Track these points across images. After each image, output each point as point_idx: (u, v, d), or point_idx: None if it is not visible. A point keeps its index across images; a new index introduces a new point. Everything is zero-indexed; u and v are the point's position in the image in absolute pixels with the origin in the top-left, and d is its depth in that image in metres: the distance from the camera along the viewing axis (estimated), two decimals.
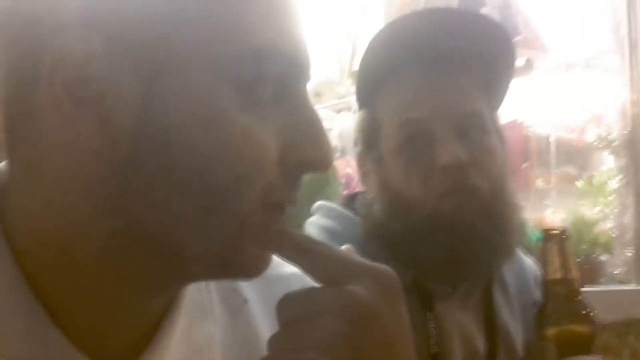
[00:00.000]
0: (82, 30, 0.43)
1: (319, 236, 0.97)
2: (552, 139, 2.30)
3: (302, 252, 0.47)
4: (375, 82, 0.96)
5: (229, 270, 0.49)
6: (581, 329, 0.90)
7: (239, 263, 0.48)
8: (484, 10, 1.77)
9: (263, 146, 0.46)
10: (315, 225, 1.00)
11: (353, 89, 1.75)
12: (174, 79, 0.43)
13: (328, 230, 0.97)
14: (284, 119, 0.47)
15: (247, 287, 0.61)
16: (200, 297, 0.57)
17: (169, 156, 0.44)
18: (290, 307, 0.46)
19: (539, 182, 2.21)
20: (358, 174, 1.05)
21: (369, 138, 0.98)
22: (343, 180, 1.41)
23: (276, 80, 0.46)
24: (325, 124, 1.53)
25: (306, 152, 0.47)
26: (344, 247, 0.51)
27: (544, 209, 2.06)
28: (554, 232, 0.93)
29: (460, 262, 0.90)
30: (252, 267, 0.49)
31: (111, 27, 0.43)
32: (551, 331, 0.91)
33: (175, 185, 0.44)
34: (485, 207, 0.90)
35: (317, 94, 1.98)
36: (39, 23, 0.44)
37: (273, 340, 0.45)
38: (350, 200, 1.04)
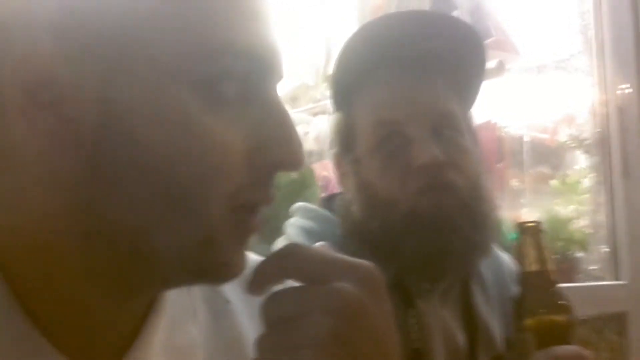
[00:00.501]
0: (38, 34, 0.42)
1: (298, 237, 0.98)
2: (525, 139, 2.33)
3: (283, 254, 0.48)
4: (350, 84, 0.98)
5: (202, 275, 0.49)
6: (559, 318, 0.92)
7: (213, 267, 0.48)
8: (456, 13, 1.79)
9: (226, 146, 0.45)
10: (294, 226, 1.00)
11: (328, 92, 1.76)
12: (133, 79, 0.43)
13: (307, 231, 0.98)
14: (253, 118, 0.47)
15: (229, 288, 0.61)
16: (182, 300, 0.56)
17: (130, 157, 0.44)
18: (277, 306, 0.46)
19: (514, 182, 2.23)
20: (336, 176, 1.06)
21: (346, 140, 0.99)
22: (321, 184, 1.42)
23: (241, 79, 0.46)
24: (301, 128, 1.54)
25: (277, 152, 0.47)
26: (318, 244, 0.52)
27: (519, 208, 2.09)
28: (529, 224, 0.95)
29: (439, 258, 0.91)
30: (227, 271, 0.48)
31: (69, 29, 0.43)
32: (529, 322, 0.92)
33: (139, 186, 0.44)
34: (463, 203, 0.91)
35: (293, 98, 1.98)
36: (3, 26, 0.44)
37: (261, 341, 0.45)
38: (329, 202, 1.05)
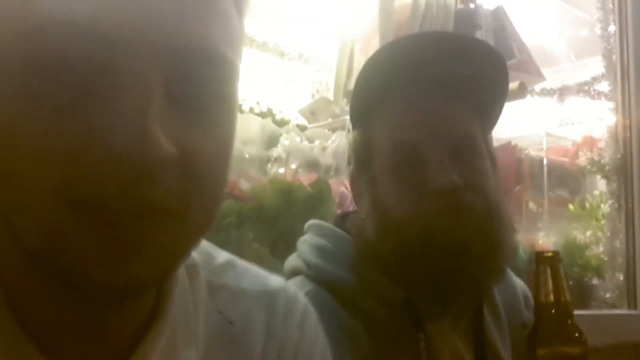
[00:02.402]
0: None
1: (310, 254, 0.97)
2: (545, 162, 2.32)
3: None
4: (369, 103, 0.97)
5: (74, 281, 0.44)
6: (573, 350, 0.91)
7: (70, 269, 0.43)
8: (479, 34, 1.78)
9: (50, 135, 0.41)
10: (307, 243, 1.00)
11: (348, 108, 1.75)
12: None
13: (320, 249, 0.98)
14: (91, 106, 0.41)
15: (232, 308, 0.61)
16: (186, 322, 0.56)
17: None
18: None
19: (532, 205, 2.22)
20: (351, 194, 1.05)
21: (362, 158, 0.99)
22: (337, 199, 1.41)
23: (76, 60, 0.41)
24: (320, 143, 1.52)
25: (116, 144, 0.41)
26: None
27: (536, 232, 2.07)
28: (547, 254, 0.94)
29: (452, 282, 0.90)
30: (93, 280, 0.43)
31: None
32: (542, 353, 0.91)
33: None
34: (479, 228, 0.90)
35: (313, 113, 1.98)
36: None
37: None
38: (342, 220, 1.04)
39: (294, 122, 1.84)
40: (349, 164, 1.04)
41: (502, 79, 0.99)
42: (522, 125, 2.35)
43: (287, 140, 1.52)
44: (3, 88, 0.41)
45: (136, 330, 0.52)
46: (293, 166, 1.50)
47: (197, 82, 0.45)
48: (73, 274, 0.43)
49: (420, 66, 0.94)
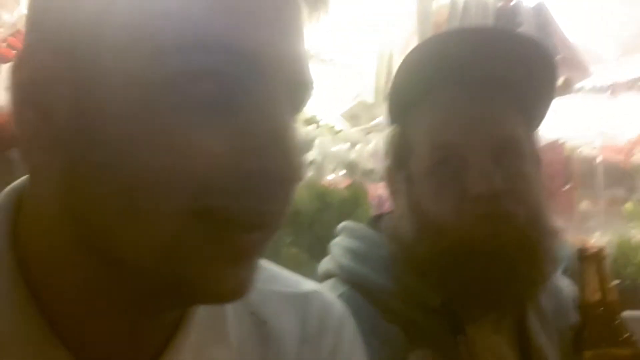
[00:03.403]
0: (30, 38, 0.45)
1: (343, 257, 0.95)
2: (598, 160, 2.25)
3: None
4: (408, 100, 0.93)
5: (183, 290, 0.46)
6: (621, 352, 0.85)
7: (189, 282, 0.45)
8: (521, 29, 1.74)
9: (193, 146, 0.43)
10: (339, 246, 0.97)
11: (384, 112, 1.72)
12: (101, 74, 0.43)
13: (352, 251, 0.95)
14: (241, 122, 0.44)
15: (266, 309, 0.60)
16: (213, 322, 0.55)
17: (100, 156, 0.43)
18: None
19: (585, 205, 2.15)
20: (387, 191, 1.02)
21: (400, 156, 0.95)
22: (375, 203, 1.38)
23: (222, 79, 0.43)
24: (360, 146, 1.50)
25: (266, 160, 0.44)
26: None
27: (588, 232, 2.00)
28: (591, 251, 0.89)
29: (489, 290, 0.86)
30: (210, 289, 0.46)
31: (47, 30, 0.44)
32: (589, 355, 0.86)
33: (108, 187, 0.43)
34: (520, 235, 0.86)
35: (353, 116, 1.97)
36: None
37: None
38: (377, 221, 1.01)
39: (336, 126, 1.83)
40: (385, 159, 1.01)
41: (548, 75, 0.94)
42: (574, 124, 2.29)
43: (323, 144, 1.51)
44: (137, 101, 0.43)
45: (167, 329, 0.52)
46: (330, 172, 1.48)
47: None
48: (187, 282, 0.45)
49: (460, 64, 0.90)
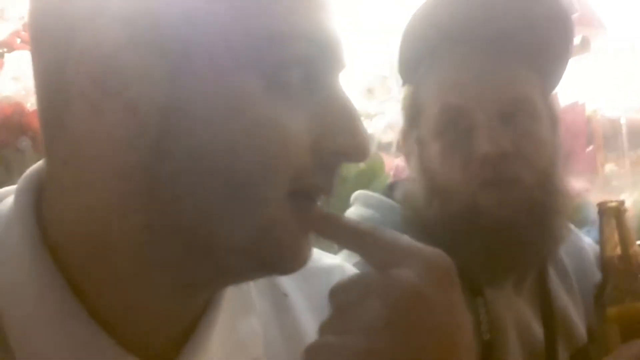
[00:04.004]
0: (106, 21, 0.42)
1: None
2: (622, 121, 2.21)
3: (353, 235, 0.48)
4: (416, 59, 0.91)
5: (266, 265, 0.48)
6: None
7: (275, 256, 0.47)
8: None
9: (290, 132, 0.45)
10: (354, 215, 0.96)
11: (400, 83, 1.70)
12: (199, 64, 0.43)
13: (367, 220, 0.94)
14: (317, 106, 0.46)
15: (287, 281, 0.60)
16: (240, 293, 0.56)
17: (194, 143, 0.43)
18: (340, 293, 0.46)
19: (610, 166, 2.12)
20: (402, 154, 1.00)
21: (411, 116, 0.93)
22: (392, 173, 1.37)
23: (306, 66, 0.45)
24: (376, 118, 1.48)
25: (341, 141, 0.46)
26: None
27: (614, 193, 1.96)
28: (611, 204, 0.87)
29: (501, 255, 0.85)
30: (290, 260, 0.48)
31: (135, 15, 0.43)
32: (613, 311, 0.84)
33: (202, 173, 0.44)
34: (529, 199, 0.84)
35: (369, 90, 1.94)
36: (65, 19, 0.44)
37: (322, 326, 0.46)
38: (390, 189, 1.00)
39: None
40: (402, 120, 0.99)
41: (564, 34, 0.90)
42: (595, 85, 2.24)
43: None
44: (232, 93, 0.43)
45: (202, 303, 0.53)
46: None
47: None
48: (274, 257, 0.47)
49: (469, 21, 0.87)
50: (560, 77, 0.95)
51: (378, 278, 0.45)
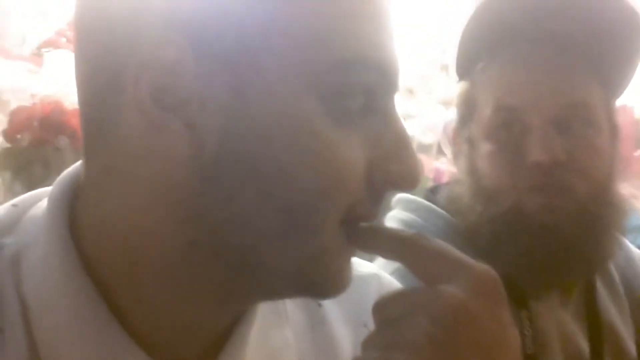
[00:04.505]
0: (169, 34, 0.41)
1: None
2: None
3: (398, 245, 0.47)
4: (474, 56, 0.88)
5: (309, 289, 0.47)
6: None
7: (320, 282, 0.46)
8: None
9: (349, 161, 0.44)
10: (394, 219, 0.94)
11: (444, 83, 1.67)
12: (261, 86, 0.41)
13: (408, 224, 0.91)
14: (372, 132, 0.45)
15: None
16: (274, 304, 0.55)
17: (252, 167, 0.42)
18: (385, 308, 0.45)
19: None
20: (451, 151, 0.98)
21: (464, 114, 0.90)
22: (431, 176, 1.34)
23: (366, 92, 0.44)
24: (417, 119, 1.45)
25: (392, 169, 0.45)
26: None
27: None
28: None
29: (544, 266, 0.82)
30: (335, 285, 0.47)
31: (198, 31, 0.41)
32: None
33: (257, 198, 0.42)
34: (580, 209, 0.81)
35: (409, 90, 1.92)
36: (122, 26, 0.42)
37: (366, 340, 0.45)
38: (433, 193, 0.97)
39: None
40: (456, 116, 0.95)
41: (632, 41, 0.85)
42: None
43: None
44: (295, 118, 0.42)
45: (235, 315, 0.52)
46: None
47: None
48: (321, 282, 0.46)
49: (530, 21, 0.83)
50: (625, 85, 0.90)
51: (425, 293, 0.44)
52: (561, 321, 0.88)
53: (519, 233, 0.81)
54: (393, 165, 0.45)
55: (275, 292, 0.48)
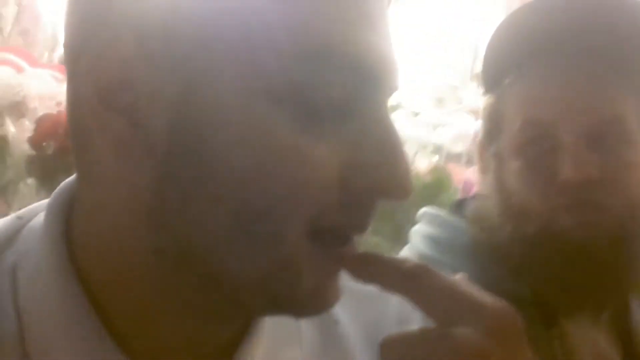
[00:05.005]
0: (117, 31, 0.39)
1: (422, 245, 0.89)
2: None
3: (401, 279, 0.43)
4: (501, 70, 0.86)
5: (283, 305, 0.44)
6: None
7: (293, 297, 0.43)
8: None
9: (313, 164, 0.40)
10: (419, 233, 0.91)
11: (474, 92, 1.64)
12: (211, 83, 0.39)
13: (433, 239, 0.89)
14: (352, 135, 0.41)
15: (339, 308, 0.55)
16: (285, 320, 0.52)
17: (202, 168, 0.40)
18: (394, 351, 0.42)
19: None
20: (478, 168, 0.95)
21: (491, 129, 0.88)
22: (461, 187, 1.31)
23: (341, 91, 0.40)
24: (446, 129, 1.43)
25: (375, 176, 0.41)
26: (457, 276, 0.44)
27: None
28: None
29: (577, 284, 0.79)
30: (311, 304, 0.44)
31: (153, 30, 0.39)
32: None
33: (210, 201, 0.40)
34: (615, 228, 0.78)
35: (439, 100, 1.90)
36: (79, 22, 0.42)
37: None
38: (459, 206, 0.94)
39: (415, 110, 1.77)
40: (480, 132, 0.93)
41: None
42: None
43: (401, 128, 1.45)
44: (251, 114, 0.39)
45: (237, 332, 0.50)
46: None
47: None
48: (289, 298, 0.43)
49: (561, 32, 0.81)
50: None
51: (437, 338, 0.40)
52: (593, 342, 0.85)
53: (552, 253, 0.78)
54: (374, 171, 0.41)
55: (249, 309, 0.45)
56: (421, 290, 0.42)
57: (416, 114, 1.69)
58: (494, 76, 0.87)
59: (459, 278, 0.44)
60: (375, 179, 0.41)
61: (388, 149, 0.42)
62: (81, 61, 0.40)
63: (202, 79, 0.39)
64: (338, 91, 0.40)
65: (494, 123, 0.87)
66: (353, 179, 0.41)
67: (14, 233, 0.49)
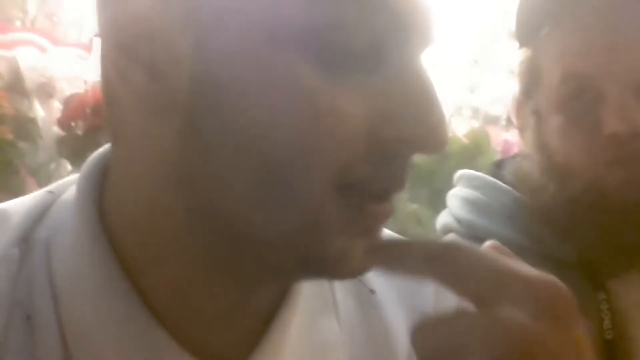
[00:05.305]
0: None
1: (461, 209, 0.86)
2: None
3: (433, 263, 0.39)
4: (537, 20, 0.82)
5: (309, 266, 0.42)
6: None
7: (322, 258, 0.41)
8: None
9: (340, 112, 0.38)
10: (456, 197, 0.88)
11: (512, 51, 1.58)
12: (226, 30, 0.37)
13: (471, 202, 0.86)
14: (383, 83, 0.39)
15: (376, 278, 0.55)
16: (321, 290, 0.51)
17: (224, 119, 0.38)
18: (430, 338, 0.37)
19: None
20: (516, 124, 0.91)
21: (528, 84, 0.84)
22: (499, 149, 1.27)
23: (369, 36, 0.38)
24: (480, 91, 1.37)
25: (405, 126, 0.39)
26: (486, 244, 0.40)
27: None
28: None
29: (624, 244, 0.76)
30: (340, 266, 0.41)
31: None
32: None
33: (233, 153, 0.38)
34: None
35: (476, 61, 1.85)
36: None
37: None
38: (499, 167, 0.91)
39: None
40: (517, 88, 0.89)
41: None
42: None
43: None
44: (273, 59, 0.37)
45: (273, 300, 0.48)
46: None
47: None
48: (321, 257, 0.41)
49: None
50: None
51: (480, 323, 0.36)
52: None
53: (599, 212, 0.75)
54: (408, 121, 0.39)
55: (279, 270, 0.43)
56: (453, 271, 0.38)
57: (452, 76, 1.65)
58: (530, 27, 0.83)
59: (491, 246, 0.40)
60: (406, 129, 0.39)
61: (421, 97, 0.39)
62: (106, 13, 0.40)
63: (216, 27, 0.37)
64: (366, 36, 0.38)
65: (531, 78, 0.83)
66: (383, 129, 0.39)
67: (46, 208, 0.48)
